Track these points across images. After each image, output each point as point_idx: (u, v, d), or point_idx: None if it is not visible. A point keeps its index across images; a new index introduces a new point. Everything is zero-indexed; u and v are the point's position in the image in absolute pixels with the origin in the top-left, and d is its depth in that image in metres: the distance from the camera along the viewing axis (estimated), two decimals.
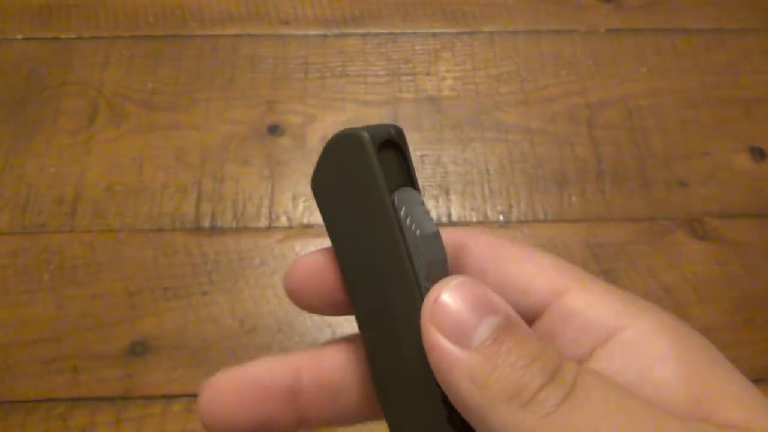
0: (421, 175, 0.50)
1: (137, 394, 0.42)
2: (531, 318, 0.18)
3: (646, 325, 0.16)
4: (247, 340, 0.44)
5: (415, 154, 0.51)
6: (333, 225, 0.18)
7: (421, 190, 0.17)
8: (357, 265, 0.18)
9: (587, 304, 0.17)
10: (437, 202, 0.49)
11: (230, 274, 0.46)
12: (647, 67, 0.55)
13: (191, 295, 0.45)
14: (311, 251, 0.19)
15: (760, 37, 0.57)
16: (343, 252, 0.18)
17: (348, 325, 0.44)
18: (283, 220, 0.48)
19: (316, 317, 0.45)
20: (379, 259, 0.17)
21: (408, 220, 0.16)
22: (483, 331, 0.15)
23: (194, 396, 0.42)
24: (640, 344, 0.16)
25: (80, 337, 0.44)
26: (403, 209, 0.16)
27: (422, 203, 0.17)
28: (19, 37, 0.56)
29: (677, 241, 0.48)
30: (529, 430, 0.14)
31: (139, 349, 0.43)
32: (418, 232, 0.16)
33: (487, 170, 0.51)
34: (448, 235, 0.19)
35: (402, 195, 0.17)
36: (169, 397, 0.42)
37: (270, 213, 0.48)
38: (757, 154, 0.52)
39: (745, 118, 0.53)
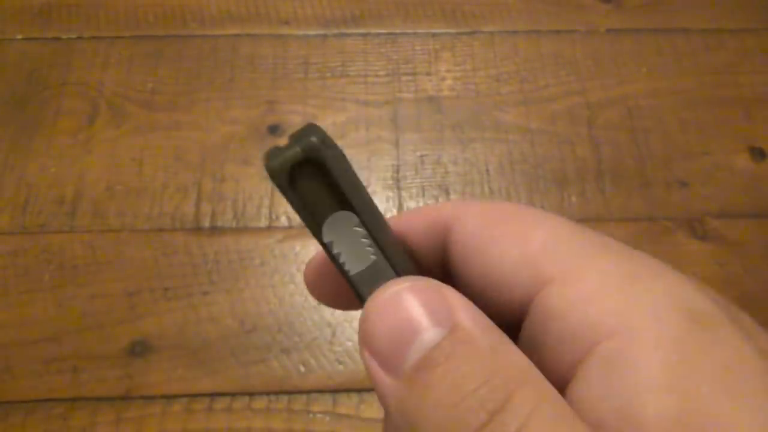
0: (421, 175, 0.50)
1: (137, 394, 0.42)
2: (518, 316, 0.15)
3: (641, 331, 0.12)
4: (247, 340, 0.44)
5: (415, 154, 0.51)
6: None
7: (360, 208, 0.15)
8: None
9: (573, 300, 0.13)
10: (437, 202, 0.49)
11: (230, 274, 0.46)
12: (647, 67, 0.55)
13: (191, 295, 0.45)
14: None
15: (760, 37, 0.57)
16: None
17: (348, 325, 0.44)
18: (283, 220, 0.48)
19: (316, 317, 0.45)
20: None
21: (341, 257, 0.15)
22: (414, 352, 0.12)
23: (194, 396, 0.42)
24: (628, 362, 0.12)
25: (80, 337, 0.44)
26: (334, 244, 0.15)
27: (357, 224, 0.15)
28: (19, 37, 0.56)
29: (677, 241, 0.48)
30: None
31: (139, 349, 0.43)
32: (350, 271, 0.15)
33: (487, 170, 0.51)
34: (440, 210, 0.17)
35: (332, 225, 0.15)
36: (169, 397, 0.42)
37: (270, 213, 0.48)
38: (757, 154, 0.52)
39: (744, 118, 0.53)
